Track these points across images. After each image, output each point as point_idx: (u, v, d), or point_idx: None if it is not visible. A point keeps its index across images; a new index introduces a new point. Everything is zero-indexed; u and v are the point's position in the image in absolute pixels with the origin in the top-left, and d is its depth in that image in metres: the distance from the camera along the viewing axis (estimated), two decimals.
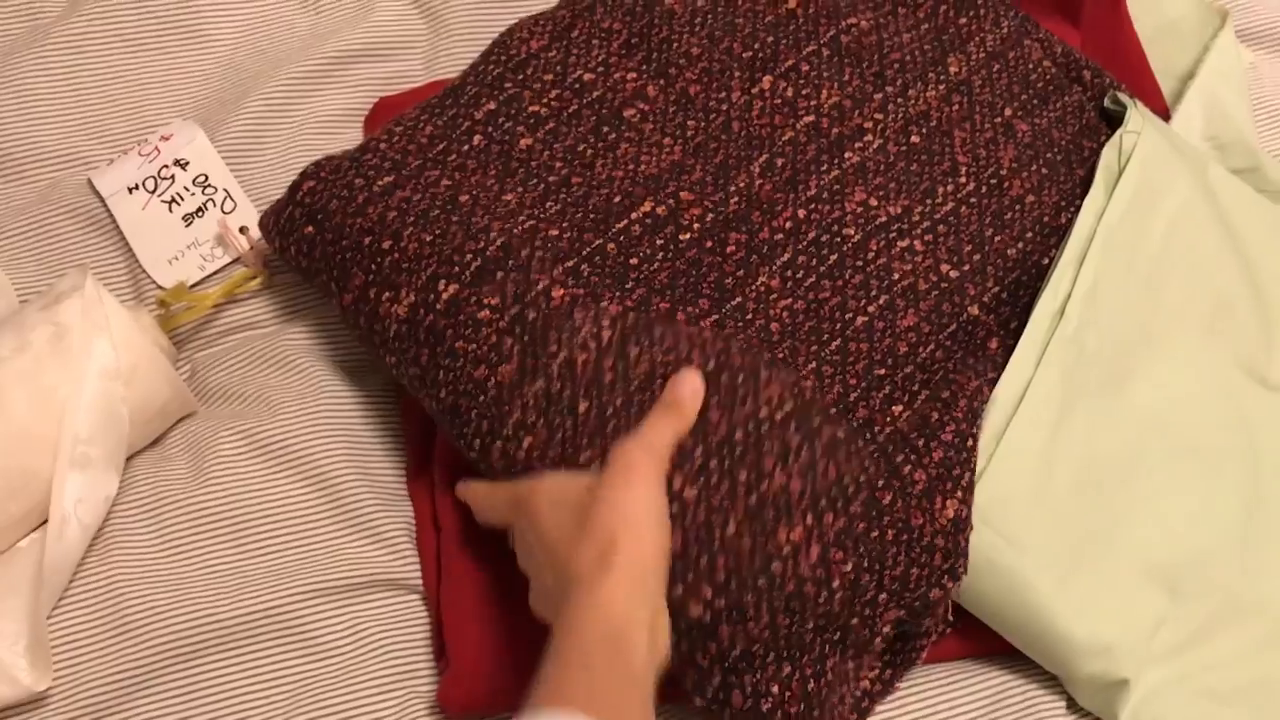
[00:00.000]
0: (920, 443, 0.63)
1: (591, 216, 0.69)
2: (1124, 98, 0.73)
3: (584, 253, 0.67)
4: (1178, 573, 0.65)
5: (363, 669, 0.66)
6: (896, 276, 0.67)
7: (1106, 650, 0.63)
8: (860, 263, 0.67)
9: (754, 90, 0.71)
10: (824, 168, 0.69)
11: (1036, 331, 0.66)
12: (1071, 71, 0.74)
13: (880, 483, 0.61)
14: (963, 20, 0.74)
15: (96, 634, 0.65)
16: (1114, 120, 0.73)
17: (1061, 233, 0.69)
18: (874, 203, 0.68)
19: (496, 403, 0.62)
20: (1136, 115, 0.72)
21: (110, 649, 0.65)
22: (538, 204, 0.69)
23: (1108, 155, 0.70)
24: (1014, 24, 0.74)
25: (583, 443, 0.61)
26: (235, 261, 0.75)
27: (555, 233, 0.67)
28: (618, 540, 0.53)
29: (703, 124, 0.72)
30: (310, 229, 0.68)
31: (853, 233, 0.68)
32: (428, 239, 0.66)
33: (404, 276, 0.65)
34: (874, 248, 0.68)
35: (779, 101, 0.71)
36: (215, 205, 0.76)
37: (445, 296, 0.64)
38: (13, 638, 0.64)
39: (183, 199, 0.76)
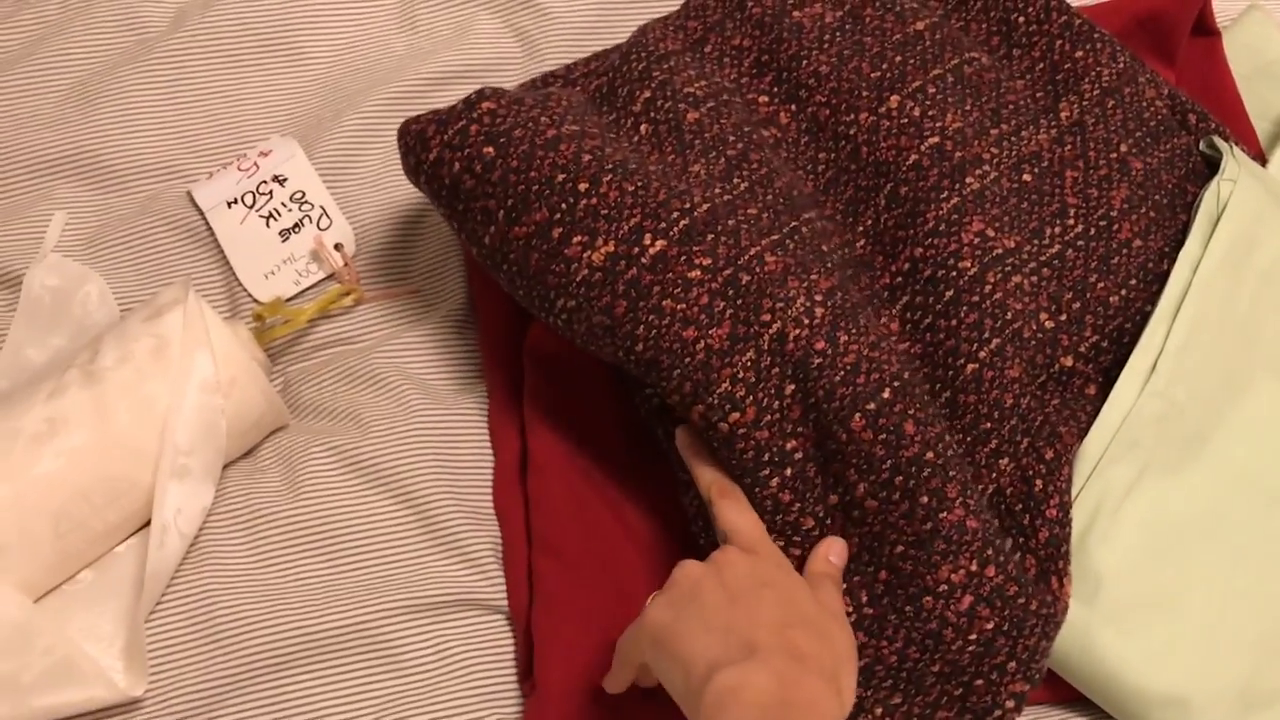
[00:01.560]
0: (1026, 520, 0.63)
1: (782, 199, 0.68)
2: (1220, 143, 0.72)
3: (784, 230, 0.66)
4: (1270, 627, 0.65)
5: (448, 689, 0.66)
6: (1010, 316, 0.66)
7: (1181, 702, 0.63)
8: (976, 298, 0.66)
9: (881, 110, 0.70)
10: (944, 194, 0.68)
11: (1126, 389, 0.66)
12: (1178, 114, 0.74)
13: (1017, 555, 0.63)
14: (1079, 54, 0.73)
15: (189, 641, 0.66)
16: (1216, 166, 0.72)
17: (1165, 280, 0.69)
18: (991, 233, 0.68)
19: (705, 368, 0.61)
20: (1233, 162, 0.71)
21: (201, 657, 0.66)
22: (725, 179, 0.67)
23: (1206, 203, 0.70)
24: (1128, 60, 0.73)
25: (788, 429, 0.62)
26: (329, 278, 0.76)
27: (754, 211, 0.66)
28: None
29: (832, 155, 0.71)
30: (491, 150, 0.65)
31: (969, 265, 0.66)
32: (630, 189, 0.63)
33: (602, 223, 0.63)
34: (990, 280, 0.66)
35: (905, 121, 0.70)
36: (311, 222, 0.77)
37: (652, 251, 0.62)
38: (109, 639, 0.66)
39: (280, 214, 0.77)
